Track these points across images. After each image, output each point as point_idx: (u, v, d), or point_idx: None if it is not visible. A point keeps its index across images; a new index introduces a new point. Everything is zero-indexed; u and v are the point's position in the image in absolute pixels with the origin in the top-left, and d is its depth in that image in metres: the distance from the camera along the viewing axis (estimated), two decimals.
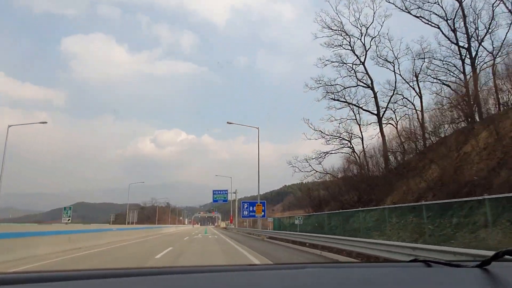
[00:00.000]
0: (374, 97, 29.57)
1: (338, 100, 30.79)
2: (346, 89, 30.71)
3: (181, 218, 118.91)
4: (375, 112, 29.52)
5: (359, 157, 30.23)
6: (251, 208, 36.23)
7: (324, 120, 34.78)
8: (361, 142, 30.46)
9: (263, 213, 32.37)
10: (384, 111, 29.33)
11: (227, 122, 33.71)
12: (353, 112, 30.78)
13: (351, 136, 30.73)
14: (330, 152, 30.87)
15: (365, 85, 30.35)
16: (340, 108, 31.03)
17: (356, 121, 30.74)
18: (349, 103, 30.58)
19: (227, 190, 51.06)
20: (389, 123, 29.39)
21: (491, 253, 1.12)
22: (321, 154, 30.73)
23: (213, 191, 51.06)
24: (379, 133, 28.77)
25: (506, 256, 1.08)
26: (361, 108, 30.37)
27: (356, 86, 30.63)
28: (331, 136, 30.61)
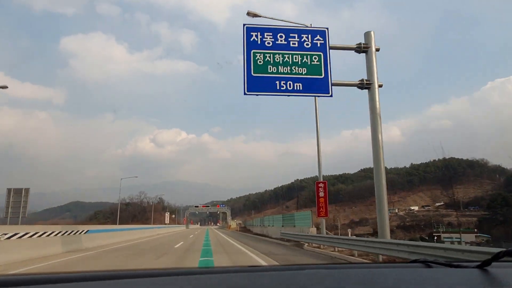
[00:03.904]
0: None
1: None
2: None
3: (173, 216, 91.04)
4: None
5: None
6: None
7: None
8: None
9: None
10: None
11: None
12: None
13: None
14: None
15: None
16: None
17: None
18: None
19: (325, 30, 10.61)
20: None
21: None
22: None
23: (247, 29, 10.22)
24: None
25: (506, 257, 1.09)
26: None
27: None
28: None
